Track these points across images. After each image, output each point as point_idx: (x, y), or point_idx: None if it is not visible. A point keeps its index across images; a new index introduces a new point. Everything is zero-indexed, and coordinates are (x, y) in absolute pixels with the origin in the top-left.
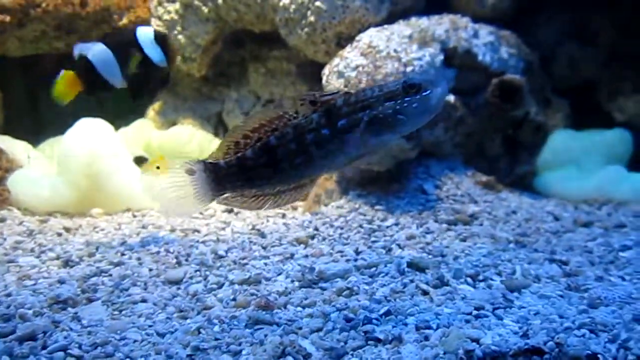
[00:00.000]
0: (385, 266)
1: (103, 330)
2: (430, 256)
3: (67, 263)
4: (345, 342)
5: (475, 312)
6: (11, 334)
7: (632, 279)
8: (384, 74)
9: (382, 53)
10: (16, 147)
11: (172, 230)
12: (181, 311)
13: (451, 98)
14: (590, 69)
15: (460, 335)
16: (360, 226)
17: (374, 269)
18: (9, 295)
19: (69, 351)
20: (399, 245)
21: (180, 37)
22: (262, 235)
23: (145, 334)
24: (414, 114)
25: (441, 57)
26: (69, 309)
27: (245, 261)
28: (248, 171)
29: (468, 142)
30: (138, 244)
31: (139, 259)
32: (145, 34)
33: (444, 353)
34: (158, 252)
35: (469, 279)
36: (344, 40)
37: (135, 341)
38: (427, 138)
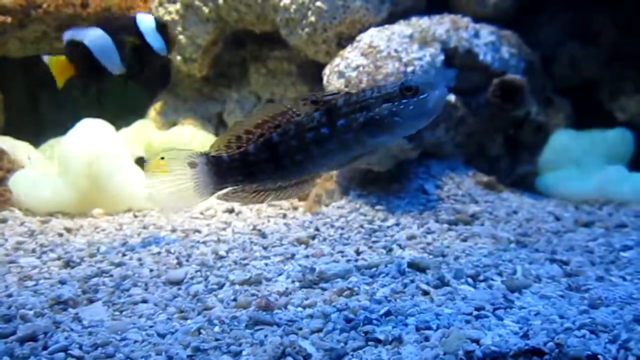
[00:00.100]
0: (386, 266)
1: (104, 331)
2: (431, 256)
3: (68, 263)
4: (346, 343)
5: (475, 313)
6: (12, 334)
7: (633, 279)
8: (385, 74)
9: (382, 53)
10: (17, 148)
11: (173, 231)
12: (182, 312)
13: (452, 98)
14: (592, 68)
15: (460, 335)
16: (361, 226)
17: (374, 269)
18: (10, 295)
19: (69, 352)
20: (399, 246)
21: (180, 37)
22: (263, 235)
23: (146, 334)
24: (411, 116)
25: (442, 57)
26: (70, 309)
27: (246, 261)
28: (250, 166)
29: (469, 142)
30: (139, 244)
31: (139, 259)
32: (146, 22)
33: (444, 354)
34: (159, 253)
35: (469, 279)
36: (344, 40)
37: (135, 342)
38: (429, 139)
